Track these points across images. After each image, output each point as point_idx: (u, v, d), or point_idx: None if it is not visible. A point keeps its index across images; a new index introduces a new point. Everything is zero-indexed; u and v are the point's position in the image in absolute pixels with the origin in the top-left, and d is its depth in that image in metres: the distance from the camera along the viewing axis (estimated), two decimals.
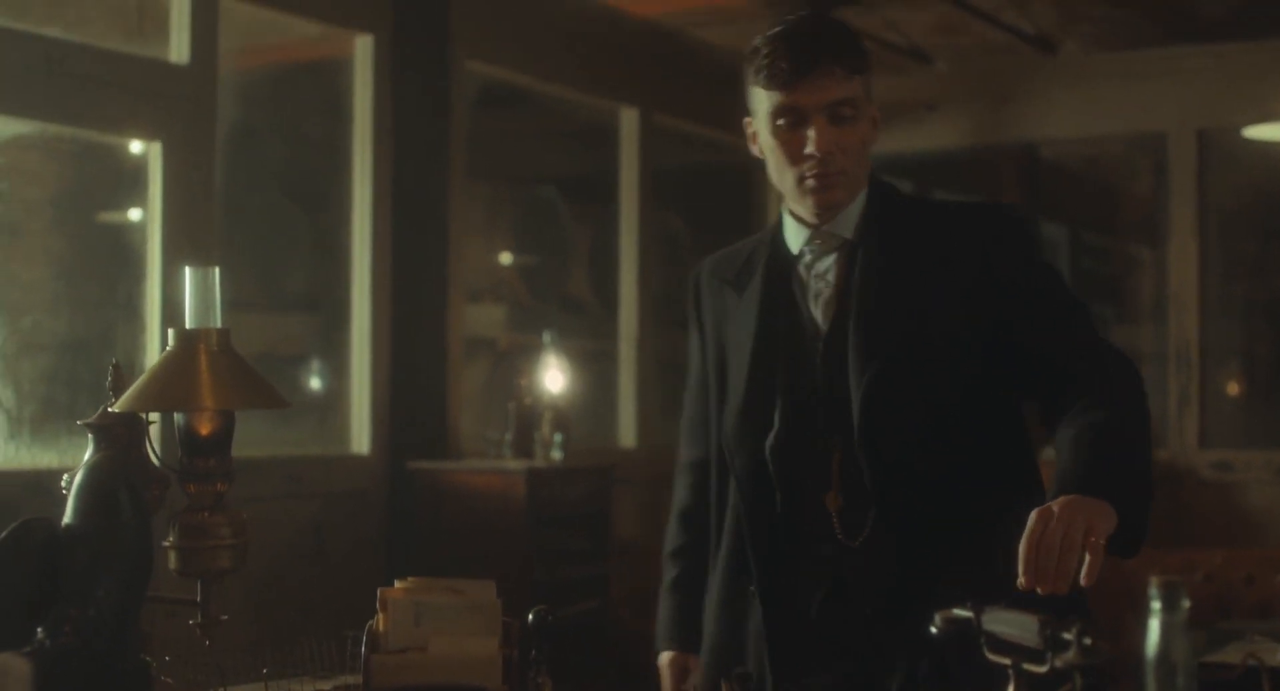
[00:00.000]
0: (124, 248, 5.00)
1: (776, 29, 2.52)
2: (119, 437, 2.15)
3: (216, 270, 2.15)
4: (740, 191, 7.99)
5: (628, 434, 6.95)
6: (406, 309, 5.70)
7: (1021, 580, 2.02)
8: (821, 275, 2.55)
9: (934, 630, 1.86)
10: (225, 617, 2.16)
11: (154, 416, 2.21)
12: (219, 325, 2.13)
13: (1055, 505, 2.06)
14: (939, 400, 2.45)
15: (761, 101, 2.52)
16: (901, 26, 7.12)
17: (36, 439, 4.58)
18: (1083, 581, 2.01)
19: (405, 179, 5.71)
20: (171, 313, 4.73)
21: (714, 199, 8.03)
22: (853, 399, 2.45)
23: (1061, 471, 2.20)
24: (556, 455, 5.73)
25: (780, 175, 2.53)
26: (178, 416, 2.12)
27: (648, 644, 2.69)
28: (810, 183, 2.49)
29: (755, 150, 2.60)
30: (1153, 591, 1.43)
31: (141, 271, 4.89)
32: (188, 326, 2.13)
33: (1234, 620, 5.36)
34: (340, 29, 5.67)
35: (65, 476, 2.17)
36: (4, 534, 2.05)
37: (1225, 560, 5.92)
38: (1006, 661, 1.76)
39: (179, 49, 4.99)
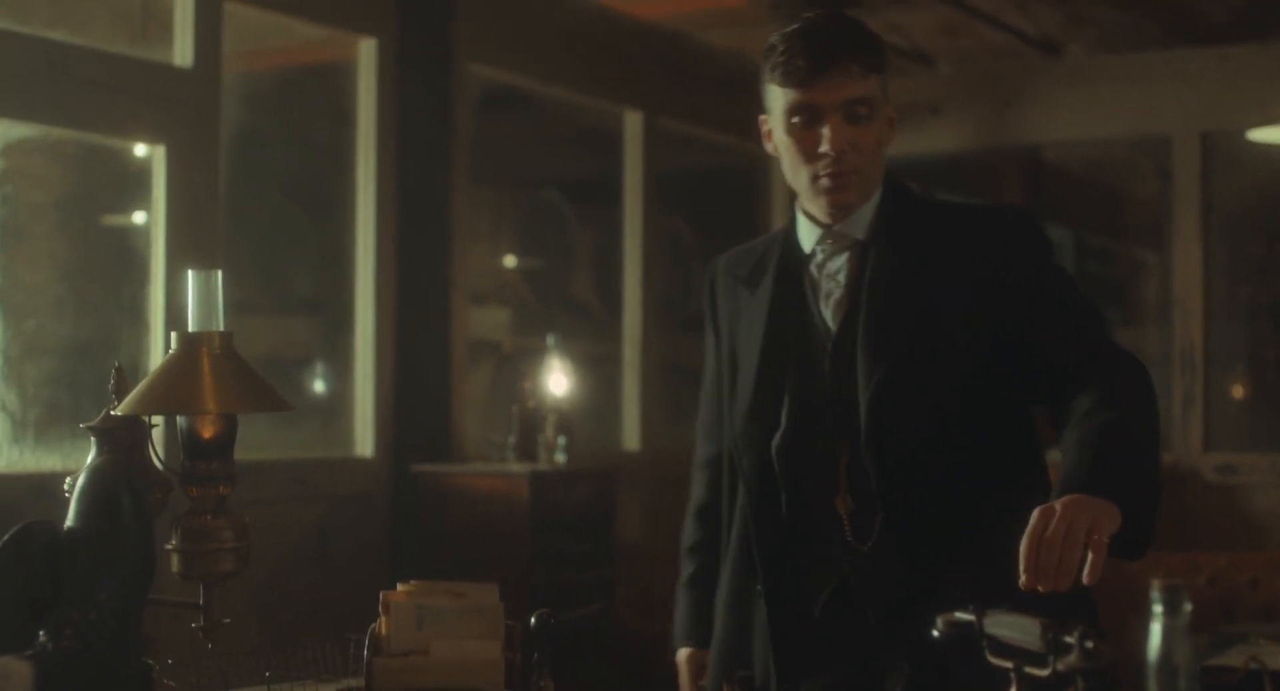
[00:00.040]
0: (128, 251, 5.01)
1: (793, 26, 2.51)
2: (121, 441, 2.15)
3: (219, 273, 2.14)
4: (744, 194, 7.99)
5: (631, 437, 6.94)
6: (410, 312, 5.70)
7: (1022, 578, 2.01)
8: (833, 275, 2.53)
9: (936, 633, 1.86)
10: (228, 620, 2.16)
11: (157, 419, 2.21)
12: (222, 328, 2.13)
13: (1058, 504, 2.05)
14: (948, 402, 2.44)
15: (777, 99, 2.51)
16: (904, 29, 7.12)
17: (40, 442, 4.58)
18: (1085, 579, 2.00)
19: (409, 182, 5.71)
20: (175, 316, 4.74)
21: (718, 202, 8.03)
22: (860, 400, 2.44)
23: (1066, 471, 2.18)
24: (560, 458, 5.73)
25: (794, 173, 2.52)
26: (180, 419, 2.12)
27: (651, 647, 2.70)
28: (824, 182, 2.47)
29: (770, 148, 2.59)
30: (1154, 594, 1.43)
31: (145, 274, 4.90)
32: (190, 330, 2.13)
33: (1238, 623, 5.35)
34: (344, 32, 5.68)
35: (68, 479, 2.17)
36: (6, 537, 2.05)
37: (1229, 563, 5.91)
38: (1008, 664, 1.76)
39: (183, 52, 4.99)
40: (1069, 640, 1.67)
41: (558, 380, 5.91)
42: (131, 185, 5.05)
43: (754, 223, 7.86)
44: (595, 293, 7.31)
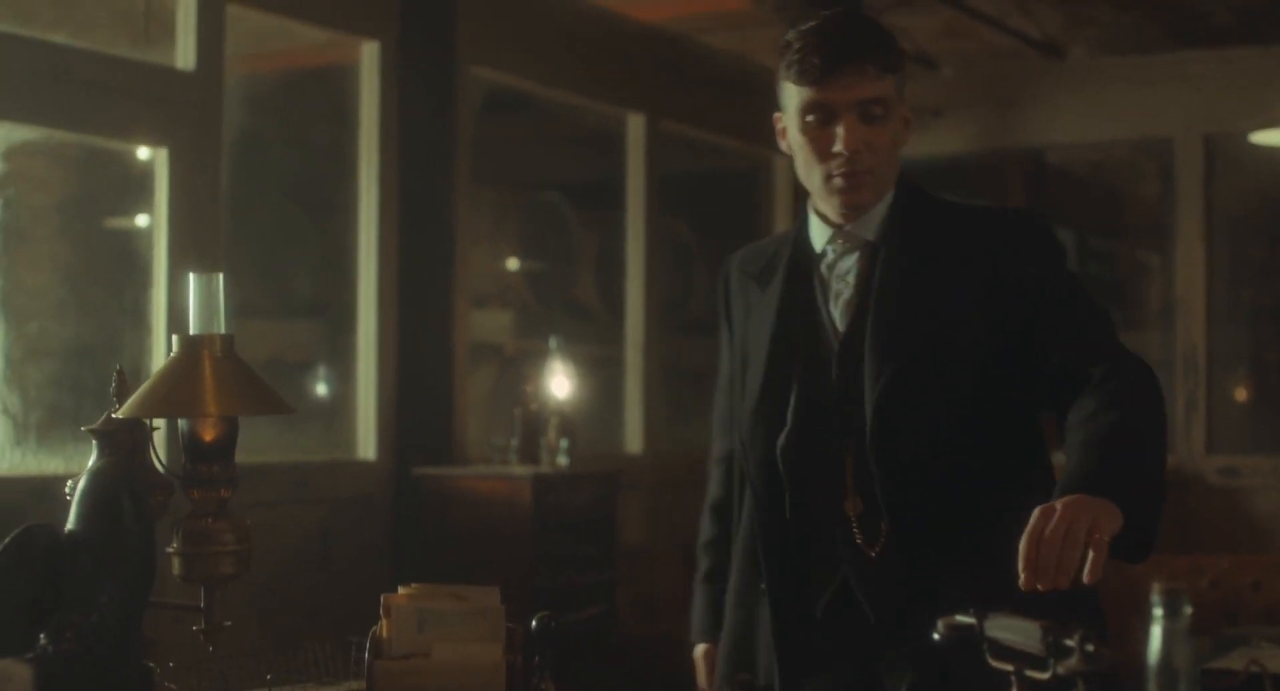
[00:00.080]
0: (130, 253, 5.01)
1: (810, 24, 2.48)
2: (123, 443, 2.15)
3: (221, 276, 2.14)
4: (746, 196, 8.00)
5: (634, 439, 6.95)
6: (412, 314, 5.70)
7: (1021, 576, 2.00)
8: (842, 276, 2.52)
9: (936, 636, 1.86)
10: (229, 623, 2.16)
11: (158, 422, 2.21)
12: (224, 331, 2.13)
13: (1058, 503, 2.04)
14: (954, 405, 2.42)
15: (792, 97, 2.48)
16: (906, 32, 7.12)
17: (42, 444, 4.58)
18: (1085, 578, 1.99)
19: (411, 184, 5.71)
20: (177, 318, 4.74)
21: (720, 204, 8.04)
22: (867, 401, 2.42)
23: (1068, 472, 2.18)
24: (562, 461, 5.73)
25: (807, 172, 2.50)
26: (181, 422, 2.12)
27: (653, 649, 2.71)
28: (837, 182, 2.46)
29: (784, 146, 2.56)
30: (1155, 598, 1.43)
31: (147, 277, 4.90)
32: (192, 332, 2.13)
33: (1240, 626, 5.35)
34: (346, 35, 5.68)
35: (69, 482, 2.17)
36: (7, 540, 2.05)
37: (1232, 565, 5.91)
38: (1009, 667, 1.75)
39: (185, 55, 5.00)
40: (1069, 643, 1.67)
41: (560, 383, 5.91)
42: (134, 188, 5.05)
43: (756, 225, 7.87)
44: (597, 295, 7.31)
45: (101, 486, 2.08)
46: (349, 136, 5.68)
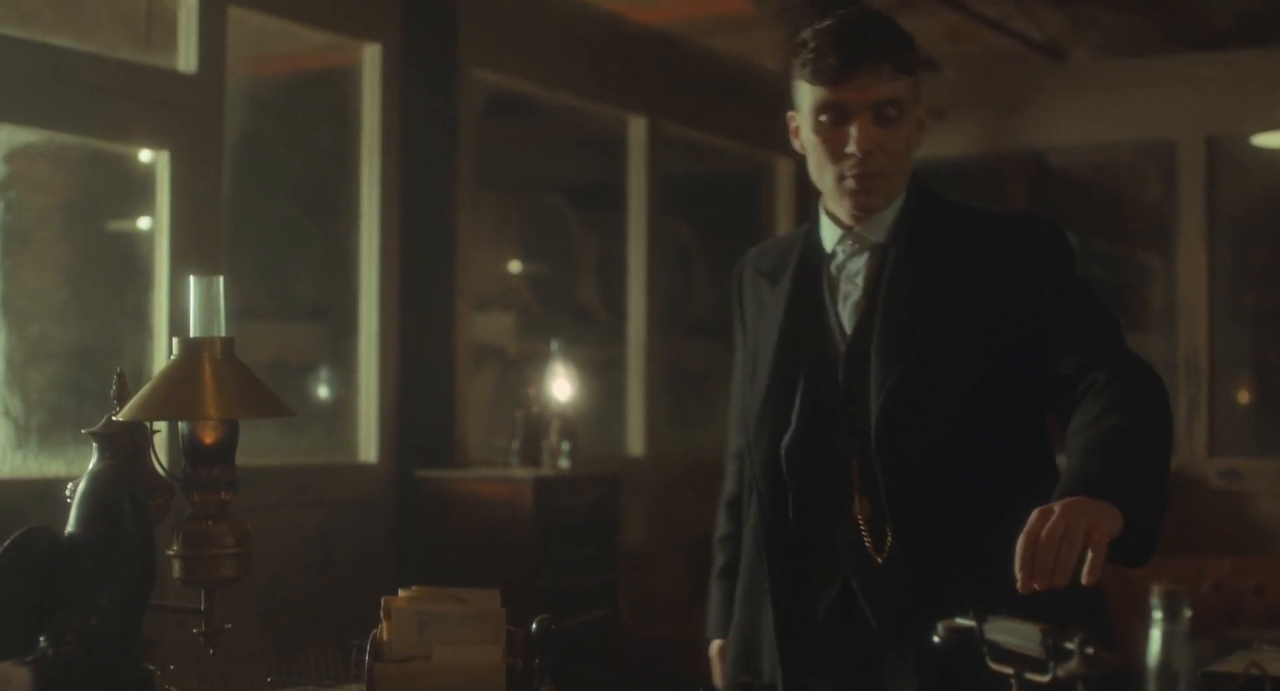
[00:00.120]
0: (132, 256, 5.01)
1: (826, 23, 2.47)
2: (123, 446, 2.15)
3: (221, 279, 2.15)
4: (748, 199, 7.99)
5: (635, 442, 6.94)
6: (414, 317, 5.70)
7: (1018, 575, 1.98)
8: (851, 277, 2.51)
9: (936, 639, 1.85)
10: (229, 626, 2.16)
11: (159, 425, 2.21)
12: (224, 334, 2.13)
13: (1056, 505, 2.03)
14: (960, 407, 2.42)
15: (806, 96, 2.47)
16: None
17: (43, 447, 4.58)
18: (1084, 579, 1.97)
19: (413, 187, 5.71)
20: (179, 321, 4.73)
21: (722, 207, 8.04)
22: (872, 403, 2.42)
23: (1068, 474, 2.16)
24: (564, 463, 5.73)
25: (820, 173, 2.50)
26: (182, 425, 2.13)
27: (655, 652, 2.70)
28: (849, 183, 2.45)
29: (797, 145, 2.55)
30: (1154, 601, 1.43)
31: (149, 280, 4.90)
32: (192, 335, 2.13)
33: (1242, 629, 5.35)
34: (348, 38, 5.68)
35: (70, 485, 2.17)
36: (7, 543, 2.05)
37: (1234, 568, 5.91)
38: (1009, 670, 1.75)
39: (187, 58, 5.00)
40: (1069, 646, 1.66)
41: (561, 385, 5.91)
42: (136, 190, 5.05)
43: (757, 227, 7.86)
44: (599, 298, 7.31)
45: (101, 489, 2.08)
46: (350, 139, 5.68)
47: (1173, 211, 7.39)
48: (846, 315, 2.50)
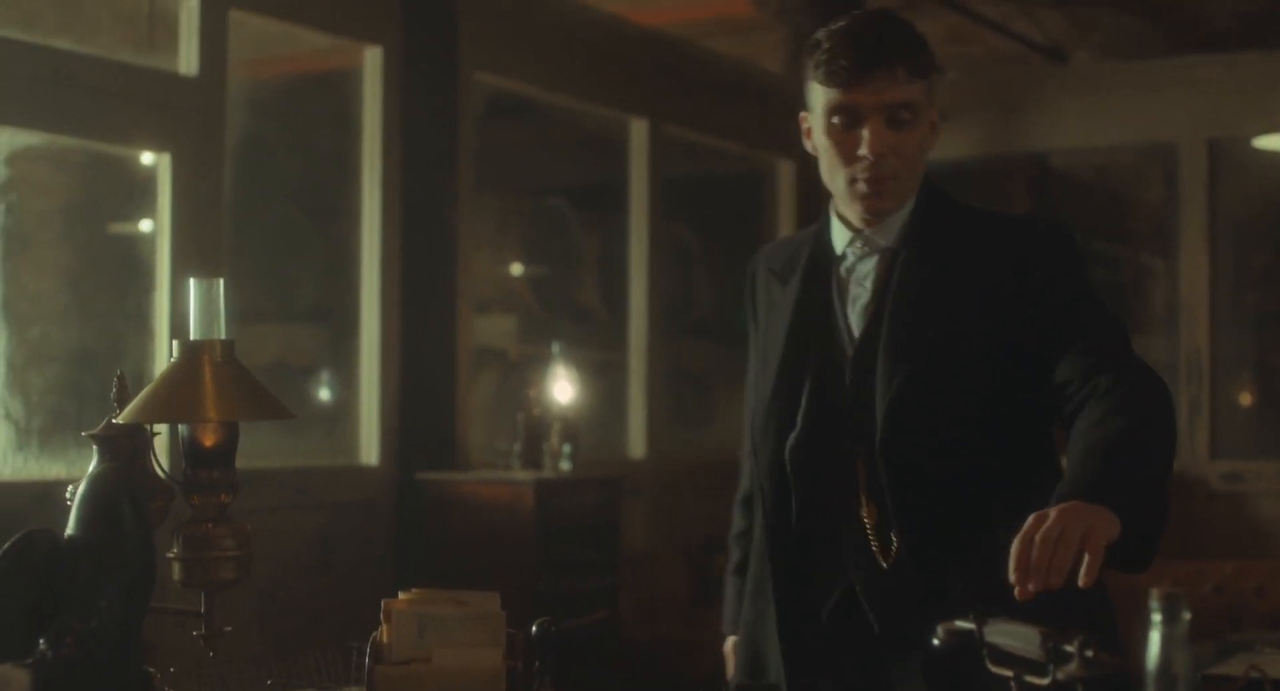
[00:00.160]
0: (133, 258, 5.01)
1: (840, 23, 2.45)
2: (123, 449, 2.15)
3: (221, 281, 2.14)
4: (749, 201, 8.00)
5: (637, 444, 6.94)
6: (415, 319, 5.70)
7: (1012, 577, 1.96)
8: (861, 280, 2.49)
9: (936, 641, 1.85)
10: (229, 628, 2.16)
11: (159, 428, 2.21)
12: (224, 336, 2.13)
13: (1053, 510, 2.00)
14: (966, 413, 2.40)
15: (818, 97, 2.44)
16: None
17: (44, 450, 4.58)
18: (1081, 582, 1.95)
19: (414, 189, 5.71)
20: (180, 324, 4.72)
21: (723, 209, 8.04)
22: (878, 407, 2.40)
23: (1066, 479, 2.13)
24: (565, 466, 5.73)
25: (831, 175, 2.47)
26: (182, 428, 2.13)
27: (656, 654, 2.70)
28: (861, 187, 2.43)
29: (809, 146, 2.52)
30: (1153, 603, 1.42)
31: (151, 282, 4.90)
32: (192, 338, 2.13)
33: (1243, 631, 5.34)
34: (349, 40, 5.68)
35: (70, 487, 2.17)
36: (7, 545, 2.05)
37: (1235, 571, 5.90)
38: (1008, 673, 1.75)
39: (188, 60, 5.00)
40: (1069, 649, 1.66)
41: (563, 387, 5.91)
42: (137, 193, 5.05)
43: (759, 229, 7.87)
44: (600, 300, 7.31)
45: (101, 491, 2.08)
46: (352, 141, 5.68)
47: (1174, 213, 7.40)
48: (855, 318, 2.49)
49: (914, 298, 2.43)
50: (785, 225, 7.73)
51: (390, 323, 5.64)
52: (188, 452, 2.12)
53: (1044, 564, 1.94)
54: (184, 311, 2.15)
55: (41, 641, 1.96)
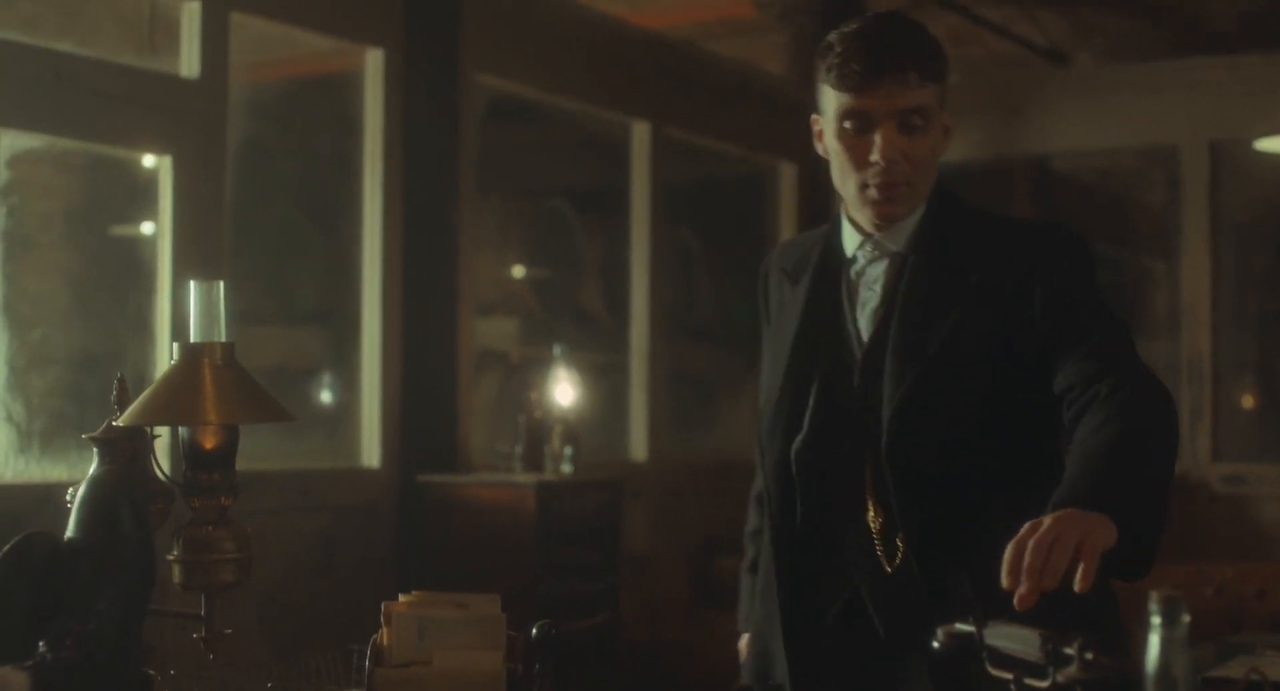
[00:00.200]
0: (135, 261, 5.02)
1: (852, 26, 2.43)
2: (123, 451, 2.15)
3: (221, 284, 2.15)
4: (751, 204, 8.00)
5: (638, 447, 6.94)
6: (417, 322, 5.70)
7: (1004, 580, 1.94)
8: (870, 284, 2.48)
9: (936, 644, 1.85)
10: (229, 631, 2.16)
11: (160, 430, 2.21)
12: (224, 339, 2.13)
13: (1048, 518, 1.99)
14: (972, 417, 2.39)
15: (830, 101, 2.43)
16: None
17: (45, 452, 4.58)
18: (1076, 586, 1.93)
19: (415, 192, 5.71)
20: (181, 326, 4.73)
21: (725, 212, 8.04)
22: (884, 411, 2.40)
23: (1063, 486, 2.12)
24: (566, 468, 5.73)
25: (842, 180, 2.46)
26: (182, 430, 2.13)
27: (656, 657, 2.70)
28: (872, 193, 2.42)
29: (820, 149, 2.51)
30: (1152, 606, 1.42)
31: (152, 285, 4.91)
32: (193, 340, 2.13)
33: (1244, 634, 5.33)
34: (351, 43, 5.68)
35: (70, 490, 2.17)
36: (6, 548, 2.05)
37: (1237, 574, 5.89)
38: (1008, 676, 1.75)
39: (190, 63, 5.00)
40: (1069, 651, 1.66)
41: (564, 390, 5.91)
42: (138, 195, 5.06)
43: (761, 232, 7.87)
44: (602, 302, 7.31)
45: (101, 494, 2.08)
46: (353, 144, 5.68)
47: (1176, 216, 7.39)
48: (864, 322, 2.48)
49: (923, 303, 2.42)
50: (787, 228, 7.73)
51: (391, 325, 5.64)
52: (188, 455, 2.12)
53: (1036, 567, 1.92)
54: (185, 314, 2.14)
55: (41, 643, 1.96)
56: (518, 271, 7.26)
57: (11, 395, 4.56)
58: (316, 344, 5.97)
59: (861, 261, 2.50)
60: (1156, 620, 1.43)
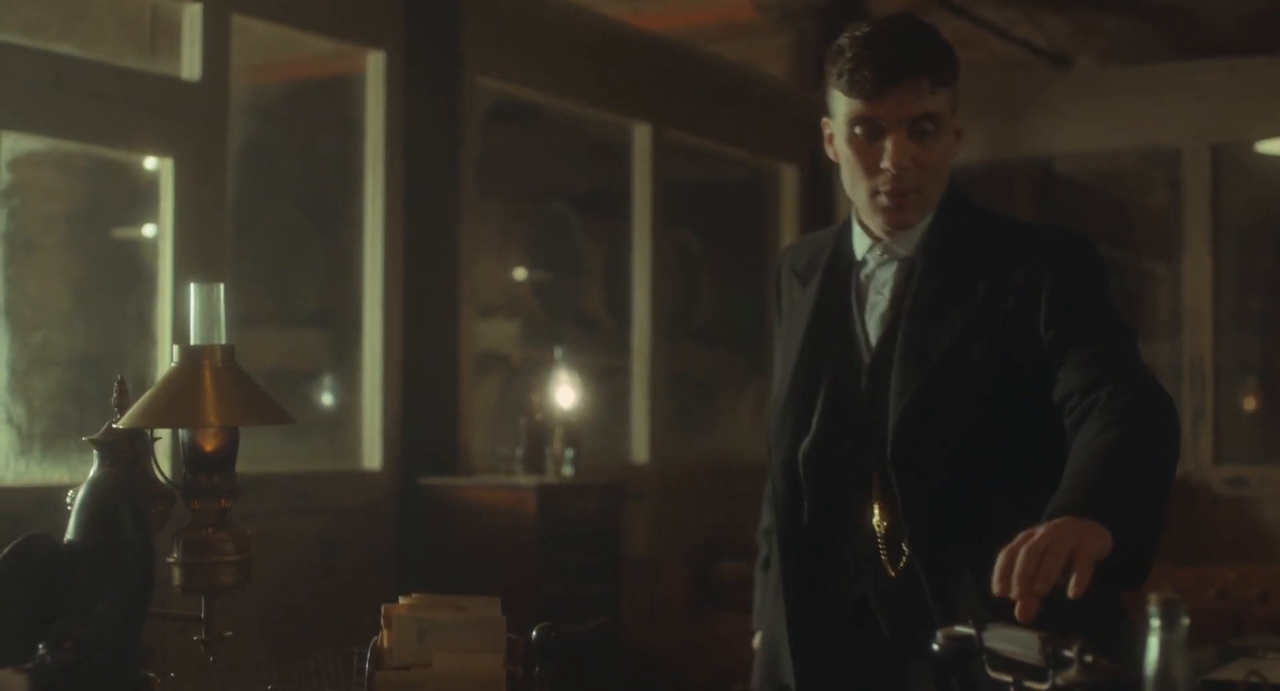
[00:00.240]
0: (136, 263, 5.02)
1: (864, 30, 2.41)
2: (123, 454, 2.15)
3: (221, 286, 2.15)
4: (752, 206, 8.00)
5: (640, 449, 6.94)
6: (418, 324, 5.70)
7: (995, 586, 1.94)
8: (880, 287, 2.48)
9: (935, 647, 1.85)
10: (229, 633, 2.16)
11: (160, 432, 2.21)
12: (225, 341, 2.13)
13: (1041, 527, 1.98)
14: (978, 422, 2.38)
15: (840, 106, 2.42)
16: None
17: (46, 454, 4.59)
18: (1070, 593, 1.93)
19: (417, 194, 5.72)
20: (182, 328, 4.72)
21: (727, 214, 8.04)
22: (890, 415, 2.39)
23: (1058, 493, 2.11)
24: (567, 471, 5.72)
25: (853, 186, 2.45)
26: (182, 433, 2.13)
27: (657, 660, 2.70)
28: (883, 200, 2.41)
29: (830, 153, 2.50)
30: (1151, 609, 1.43)
31: (153, 287, 4.91)
32: (193, 342, 2.13)
33: (1246, 636, 5.34)
34: (352, 45, 5.68)
35: (70, 492, 2.17)
36: (6, 550, 2.05)
37: (1239, 576, 5.90)
38: (1007, 678, 1.75)
39: (191, 65, 5.01)
40: (1068, 654, 1.66)
41: (565, 392, 5.91)
42: (140, 198, 5.06)
43: (763, 234, 7.86)
44: (604, 305, 7.31)
45: (101, 496, 2.08)
46: (354, 146, 5.68)
47: (1177, 218, 7.39)
48: (873, 325, 2.47)
49: (930, 309, 2.41)
50: (788, 230, 7.73)
51: (393, 327, 5.64)
52: (188, 457, 2.12)
53: (1028, 573, 1.92)
54: (186, 316, 2.14)
55: (40, 646, 1.96)
56: (519, 273, 7.26)
57: (12, 397, 4.56)
58: (317, 346, 5.97)
59: (871, 264, 2.49)
60: (1155, 623, 1.43)
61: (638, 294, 7.00)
